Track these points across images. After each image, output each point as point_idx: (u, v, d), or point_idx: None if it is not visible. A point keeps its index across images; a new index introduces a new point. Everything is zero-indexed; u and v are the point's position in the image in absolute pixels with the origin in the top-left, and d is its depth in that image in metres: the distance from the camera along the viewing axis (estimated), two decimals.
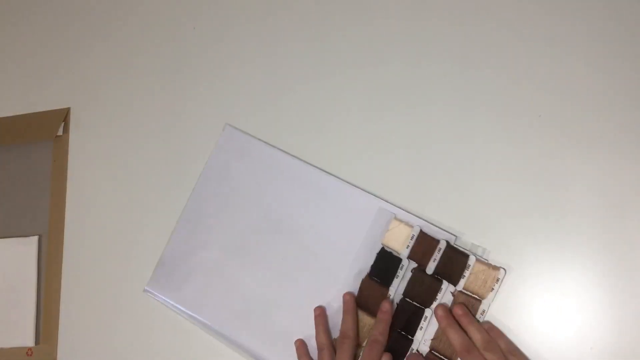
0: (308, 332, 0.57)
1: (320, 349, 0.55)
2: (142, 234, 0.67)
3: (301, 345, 0.57)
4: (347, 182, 0.59)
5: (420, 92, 0.60)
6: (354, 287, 0.57)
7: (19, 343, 0.67)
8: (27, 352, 0.67)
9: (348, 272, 0.57)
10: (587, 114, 0.55)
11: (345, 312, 0.55)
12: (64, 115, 0.72)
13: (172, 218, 0.65)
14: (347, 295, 0.56)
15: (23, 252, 0.69)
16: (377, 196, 0.58)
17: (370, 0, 0.63)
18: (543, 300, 0.53)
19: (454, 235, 0.55)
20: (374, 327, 0.54)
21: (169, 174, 0.67)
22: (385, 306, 0.54)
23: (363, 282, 0.56)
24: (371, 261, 0.56)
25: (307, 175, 0.60)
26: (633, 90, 0.54)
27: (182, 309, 0.62)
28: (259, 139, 0.63)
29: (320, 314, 0.57)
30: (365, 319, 0.55)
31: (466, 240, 0.55)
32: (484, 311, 0.53)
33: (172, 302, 0.62)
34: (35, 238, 0.70)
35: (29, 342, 0.67)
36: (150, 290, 0.64)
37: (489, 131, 0.57)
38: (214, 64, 0.68)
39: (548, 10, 0.57)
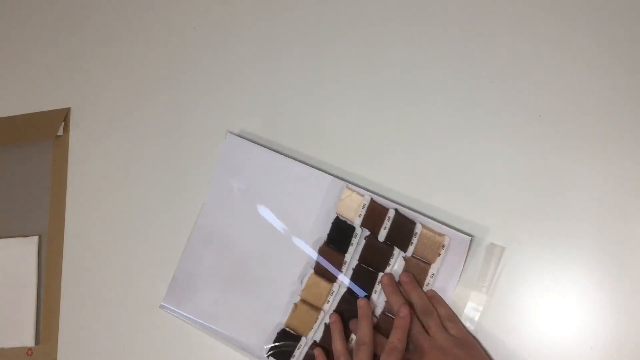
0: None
1: (337, 357, 0.55)
2: (141, 234, 0.67)
3: (320, 353, 0.57)
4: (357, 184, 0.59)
5: (421, 92, 0.60)
6: (313, 255, 0.59)
7: (19, 343, 0.67)
8: (27, 352, 0.67)
9: (308, 242, 0.59)
10: (587, 114, 0.55)
11: (360, 317, 0.55)
12: (64, 115, 0.72)
13: (172, 218, 0.65)
14: (362, 300, 0.56)
15: (23, 252, 0.69)
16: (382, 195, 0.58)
17: (371, 2, 0.63)
18: (543, 300, 0.53)
19: (470, 236, 0.55)
20: (392, 333, 0.53)
21: (170, 174, 0.67)
22: (403, 311, 0.53)
23: (320, 249, 0.59)
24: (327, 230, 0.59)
25: (310, 178, 0.60)
26: (633, 90, 0.54)
27: (201, 322, 0.61)
28: (261, 145, 0.62)
29: (336, 320, 0.56)
30: (323, 284, 0.58)
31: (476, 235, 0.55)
32: (433, 274, 0.55)
33: (190, 316, 0.62)
34: (35, 238, 0.70)
35: (29, 342, 0.67)
36: (167, 305, 0.63)
37: (488, 131, 0.57)
38: (215, 64, 0.68)
39: (548, 10, 0.57)
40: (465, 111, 0.58)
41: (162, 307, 0.63)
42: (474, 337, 0.53)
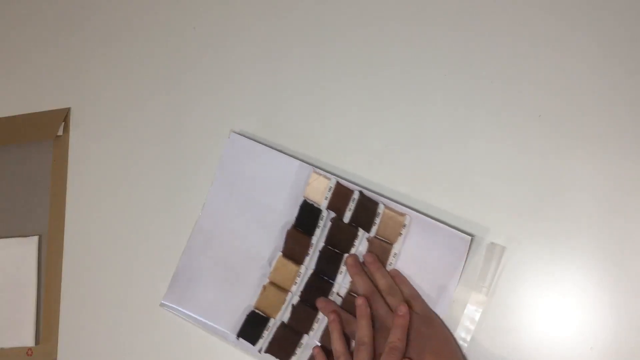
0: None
1: (336, 357, 0.54)
2: (141, 234, 0.67)
3: (319, 352, 0.57)
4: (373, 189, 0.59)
5: (421, 92, 0.60)
6: (281, 239, 0.60)
7: (19, 343, 0.67)
8: (27, 352, 0.67)
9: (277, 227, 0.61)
10: (587, 114, 0.55)
11: (359, 317, 0.54)
12: (64, 115, 0.72)
13: (172, 218, 0.65)
14: (360, 299, 0.55)
15: (23, 252, 0.69)
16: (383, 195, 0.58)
17: (372, 3, 0.63)
18: (543, 300, 0.53)
19: (471, 235, 0.55)
20: (392, 332, 0.52)
21: (169, 174, 0.67)
22: (402, 310, 0.53)
23: (288, 232, 0.60)
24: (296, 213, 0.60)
25: (298, 169, 0.61)
26: (633, 90, 0.54)
27: (201, 319, 0.61)
28: (264, 144, 0.62)
29: (334, 320, 0.56)
30: (291, 267, 0.59)
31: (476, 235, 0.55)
32: (395, 254, 0.57)
33: (190, 314, 0.62)
34: (35, 238, 0.70)
35: (29, 342, 0.67)
36: (167, 303, 0.63)
37: (488, 131, 0.57)
38: (215, 64, 0.68)
39: (548, 10, 0.57)
40: (466, 111, 0.58)
41: (162, 305, 0.63)
42: (435, 314, 0.54)
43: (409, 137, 0.59)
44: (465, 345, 0.54)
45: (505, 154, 0.56)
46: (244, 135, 0.63)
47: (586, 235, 0.53)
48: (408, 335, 0.52)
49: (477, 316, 0.54)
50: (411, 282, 0.56)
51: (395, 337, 0.52)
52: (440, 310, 0.55)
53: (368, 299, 0.55)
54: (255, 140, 0.63)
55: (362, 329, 0.54)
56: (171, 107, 0.69)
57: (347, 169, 0.60)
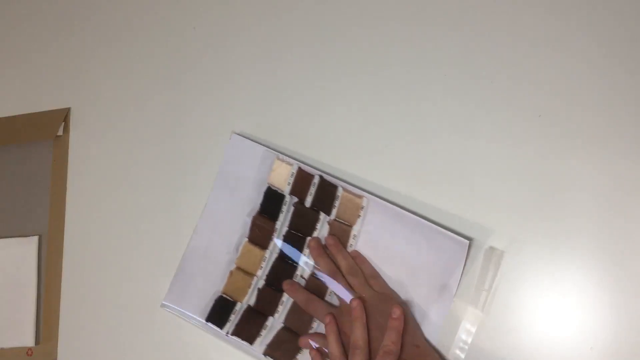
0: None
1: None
2: (141, 234, 0.67)
3: (316, 355, 0.56)
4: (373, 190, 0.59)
5: (421, 92, 0.60)
6: (247, 225, 0.62)
7: (19, 343, 0.67)
8: (27, 352, 0.67)
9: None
10: (587, 114, 0.55)
11: (354, 319, 0.53)
12: (64, 115, 0.72)
13: (172, 218, 0.65)
14: (355, 301, 0.54)
15: (23, 252, 0.69)
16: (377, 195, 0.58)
17: (372, 3, 0.63)
18: (543, 300, 0.53)
19: (469, 239, 0.54)
20: (386, 335, 0.52)
21: (169, 174, 0.67)
22: (396, 312, 0.52)
23: (254, 218, 0.61)
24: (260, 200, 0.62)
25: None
26: (633, 90, 0.54)
27: (202, 320, 0.61)
28: (265, 145, 0.62)
29: (331, 321, 0.55)
30: (256, 252, 0.61)
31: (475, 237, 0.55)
32: (355, 236, 0.59)
33: (191, 314, 0.62)
34: (35, 238, 0.70)
35: (29, 342, 0.67)
36: (168, 303, 0.63)
37: (488, 131, 0.57)
38: (215, 64, 0.68)
39: (548, 10, 0.57)
40: (466, 111, 0.58)
41: (163, 305, 0.63)
42: (395, 293, 0.56)
43: (409, 137, 0.59)
44: (466, 347, 0.54)
45: (505, 154, 0.56)
46: (245, 136, 0.63)
47: (586, 235, 0.53)
48: (368, 312, 0.53)
49: (477, 318, 0.54)
50: (372, 263, 0.58)
51: (390, 340, 0.51)
52: (440, 312, 0.55)
53: (330, 278, 0.57)
54: (255, 141, 0.63)
55: (357, 332, 0.53)
56: (171, 108, 0.69)
57: (346, 169, 0.60)
